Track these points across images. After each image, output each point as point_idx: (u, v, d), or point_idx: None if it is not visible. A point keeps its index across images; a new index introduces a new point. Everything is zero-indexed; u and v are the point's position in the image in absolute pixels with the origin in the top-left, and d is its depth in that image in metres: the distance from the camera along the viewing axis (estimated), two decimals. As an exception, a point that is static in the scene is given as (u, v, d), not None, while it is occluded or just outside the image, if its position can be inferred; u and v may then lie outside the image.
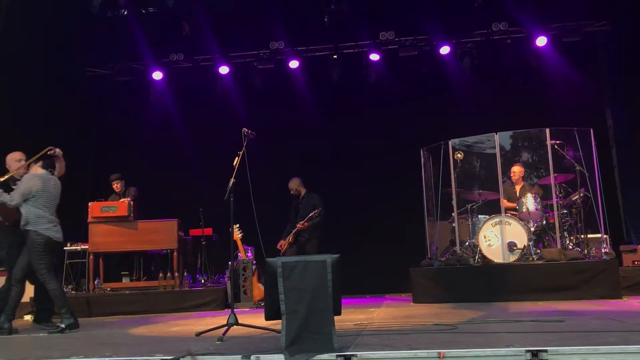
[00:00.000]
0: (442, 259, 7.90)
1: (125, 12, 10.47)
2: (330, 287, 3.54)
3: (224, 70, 10.87)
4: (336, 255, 3.63)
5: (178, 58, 10.78)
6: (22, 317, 7.45)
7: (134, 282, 8.68)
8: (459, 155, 8.13)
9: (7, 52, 8.98)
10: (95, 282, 8.22)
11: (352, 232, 10.11)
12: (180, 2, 9.74)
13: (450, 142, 8.26)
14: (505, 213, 7.75)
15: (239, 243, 8.19)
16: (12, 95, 9.21)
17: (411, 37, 10.41)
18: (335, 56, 10.77)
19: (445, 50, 10.37)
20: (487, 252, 7.45)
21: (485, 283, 7.05)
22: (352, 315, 5.86)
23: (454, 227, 8.17)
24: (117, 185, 8.98)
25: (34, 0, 9.17)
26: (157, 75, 10.99)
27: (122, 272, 8.86)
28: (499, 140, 8.13)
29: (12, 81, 9.18)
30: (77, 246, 8.78)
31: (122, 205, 8.32)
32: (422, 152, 8.89)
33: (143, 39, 10.50)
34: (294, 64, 10.74)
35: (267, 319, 3.74)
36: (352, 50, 10.85)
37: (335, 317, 3.57)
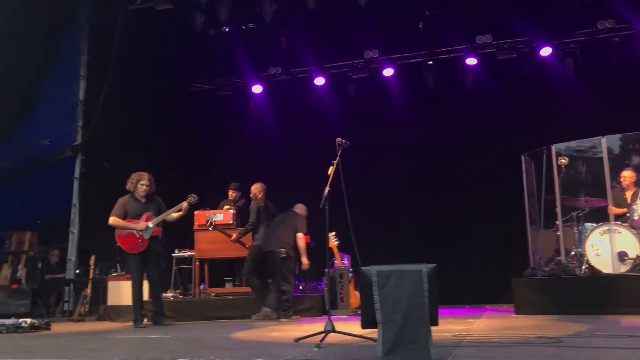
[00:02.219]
0: (546, 269, 7.56)
1: (227, 30, 10.96)
2: (427, 296, 3.52)
3: (319, 81, 11.09)
4: (432, 265, 3.60)
5: (276, 71, 11.14)
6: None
7: (237, 288, 9.00)
8: (563, 160, 7.75)
9: (122, 73, 9.73)
10: (201, 287, 8.64)
11: (451, 240, 9.92)
12: (278, 16, 10.04)
13: (553, 147, 7.90)
14: (615, 220, 7.30)
15: (335, 250, 8.29)
16: (127, 111, 9.96)
17: (509, 39, 10.11)
18: (430, 62, 10.68)
19: (546, 51, 9.98)
20: (595, 262, 7.05)
21: (594, 294, 6.67)
22: (450, 326, 5.77)
23: (558, 235, 7.80)
24: (232, 194, 9.23)
25: (143, 24, 9.88)
26: (257, 88, 11.40)
27: (225, 278, 9.22)
28: (607, 144, 7.68)
29: (127, 98, 9.94)
30: (184, 252, 9.25)
31: (226, 214, 8.68)
32: (523, 157, 8.58)
33: (243, 54, 10.95)
34: (388, 72, 10.76)
35: (363, 327, 3.77)
36: (447, 56, 10.71)
37: (433, 328, 3.54)
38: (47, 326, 6.92)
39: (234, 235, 8.26)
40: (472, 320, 6.61)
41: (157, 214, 7.14)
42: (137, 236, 6.96)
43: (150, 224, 6.98)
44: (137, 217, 7.04)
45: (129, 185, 7.12)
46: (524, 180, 8.56)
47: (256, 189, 8.40)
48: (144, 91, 10.32)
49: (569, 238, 7.78)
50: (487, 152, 10.02)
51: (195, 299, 8.50)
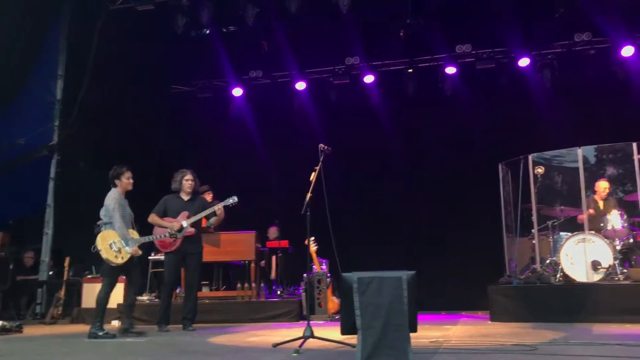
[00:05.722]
0: (522, 277, 7.67)
1: (208, 32, 10.89)
2: (406, 303, 3.55)
3: (300, 86, 11.10)
4: (412, 272, 3.64)
5: (257, 75, 11.13)
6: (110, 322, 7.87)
7: (214, 292, 8.93)
8: (539, 170, 7.88)
9: (101, 73, 9.62)
10: (177, 291, 8.53)
11: (428, 247, 10.00)
12: (260, 20, 10.01)
13: (530, 157, 8.03)
14: (590, 230, 7.44)
15: (314, 256, 8.28)
16: (105, 111, 9.84)
17: (489, 49, 10.25)
18: (410, 70, 10.78)
19: (524, 62, 10.15)
20: (569, 271, 7.17)
21: (568, 303, 6.78)
22: (428, 332, 5.80)
23: (534, 244, 7.92)
24: (208, 197, 9.17)
25: (124, 24, 9.78)
26: (237, 91, 11.36)
27: (202, 282, 9.14)
28: (583, 154, 7.83)
29: (106, 99, 9.82)
30: (160, 255, 9.13)
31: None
32: (500, 166, 8.69)
33: (224, 56, 10.90)
34: (369, 78, 10.81)
35: (342, 333, 3.79)
36: (427, 64, 10.81)
37: (411, 334, 3.57)
38: (19, 329, 6.80)
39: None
40: (448, 326, 6.67)
41: (197, 214, 6.88)
42: (168, 235, 6.72)
43: (184, 223, 6.72)
44: (175, 214, 6.82)
45: (174, 185, 6.94)
46: (500, 189, 8.67)
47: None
48: (124, 92, 10.20)
49: (544, 247, 7.90)
50: (465, 161, 10.13)
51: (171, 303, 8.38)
